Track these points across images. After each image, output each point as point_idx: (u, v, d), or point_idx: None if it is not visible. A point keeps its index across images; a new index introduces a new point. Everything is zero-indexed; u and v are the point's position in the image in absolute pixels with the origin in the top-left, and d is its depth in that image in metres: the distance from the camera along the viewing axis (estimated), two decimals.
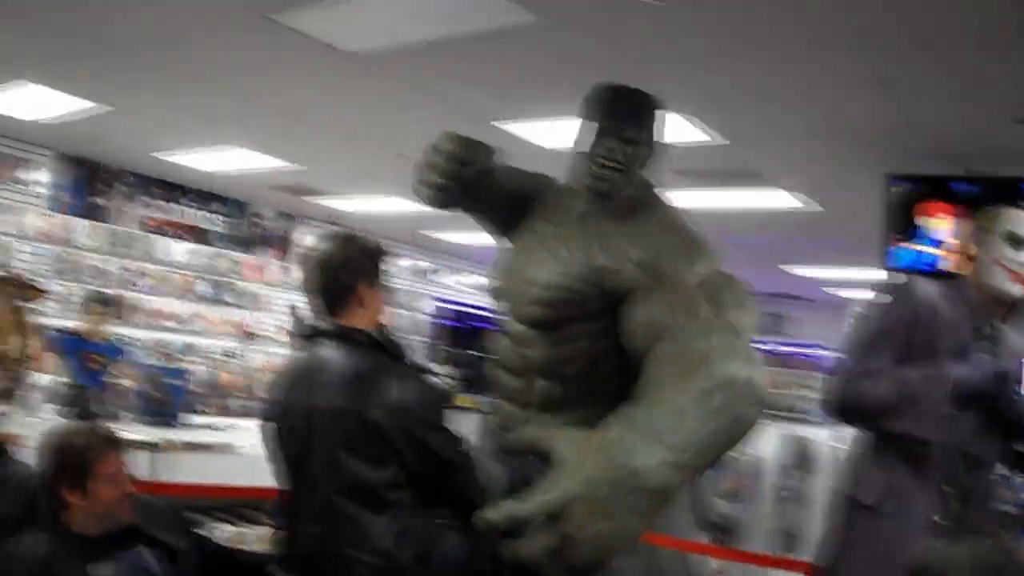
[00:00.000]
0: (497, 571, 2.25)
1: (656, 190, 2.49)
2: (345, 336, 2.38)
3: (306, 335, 2.54)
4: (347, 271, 2.42)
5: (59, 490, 2.44)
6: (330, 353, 2.38)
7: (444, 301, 12.40)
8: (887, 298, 2.86)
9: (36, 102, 6.61)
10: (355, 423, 2.25)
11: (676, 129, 5.37)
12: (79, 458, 2.43)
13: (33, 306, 5.92)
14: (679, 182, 6.62)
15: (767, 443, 6.10)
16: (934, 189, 5.28)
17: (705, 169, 6.36)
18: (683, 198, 6.97)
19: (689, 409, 1.59)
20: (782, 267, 10.69)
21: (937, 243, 5.22)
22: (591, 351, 2.38)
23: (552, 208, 2.58)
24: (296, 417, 2.37)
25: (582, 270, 2.34)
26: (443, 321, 12.49)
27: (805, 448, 6.01)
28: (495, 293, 2.63)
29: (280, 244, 10.84)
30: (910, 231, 5.37)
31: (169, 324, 9.57)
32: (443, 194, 2.64)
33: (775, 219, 7.83)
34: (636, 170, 2.43)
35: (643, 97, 2.46)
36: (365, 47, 4.69)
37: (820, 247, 9.03)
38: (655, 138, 2.46)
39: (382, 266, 2.47)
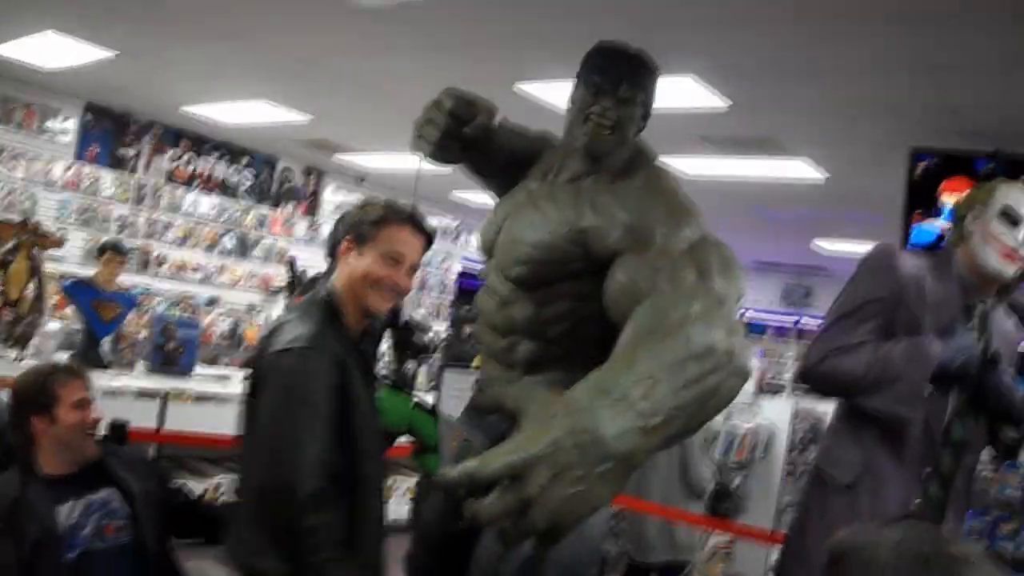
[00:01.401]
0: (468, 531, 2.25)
1: (649, 153, 2.45)
2: (309, 285, 2.42)
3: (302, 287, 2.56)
4: (343, 225, 2.43)
5: (28, 420, 2.50)
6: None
7: (472, 261, 12.45)
8: (871, 268, 2.70)
9: (61, 52, 6.63)
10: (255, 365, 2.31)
11: (696, 94, 5.33)
12: (44, 384, 2.51)
13: (53, 253, 5.98)
14: (701, 148, 6.59)
15: (781, 416, 6.04)
16: (958, 166, 5.17)
17: (727, 136, 6.32)
18: (705, 164, 7.12)
19: (662, 377, 1.53)
20: (815, 240, 10.62)
21: None
22: (576, 313, 2.35)
23: (547, 167, 2.55)
24: None
25: (569, 230, 2.30)
26: (468, 282, 12.56)
27: (818, 424, 5.95)
28: (484, 250, 2.60)
29: (307, 200, 10.86)
30: (934, 209, 5.28)
31: (194, 277, 9.62)
32: (440, 150, 2.63)
33: (801, 191, 7.76)
34: (630, 132, 2.40)
35: (640, 58, 2.41)
36: (383, 1, 4.66)
37: (847, 221, 8.95)
38: (651, 100, 2.43)
39: (377, 227, 2.37)
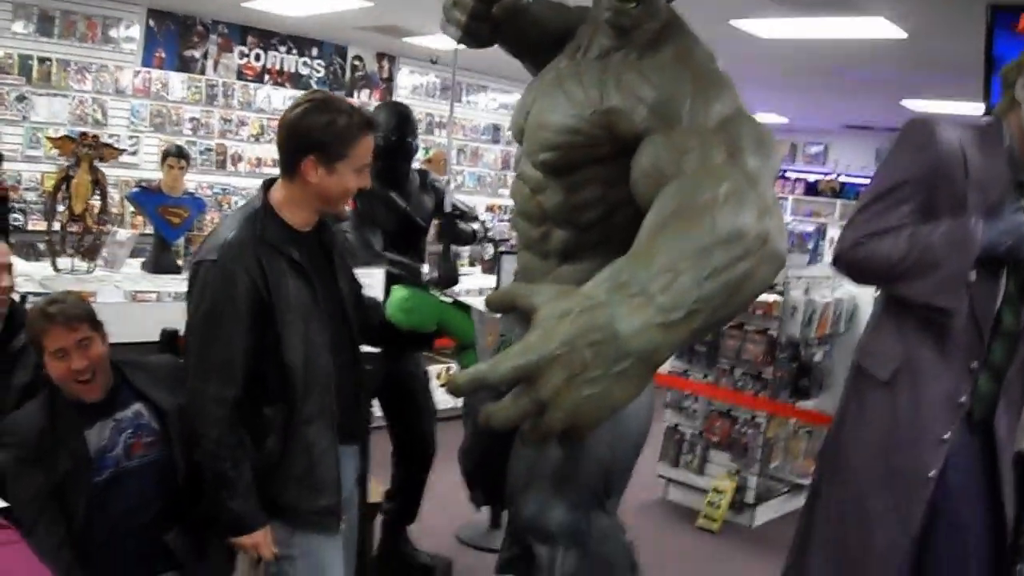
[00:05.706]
0: None
1: (681, 23, 2.29)
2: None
3: None
4: (295, 136, 2.29)
5: (40, 360, 2.47)
6: None
7: None
8: (907, 145, 2.43)
9: None
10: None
11: None
12: (31, 331, 2.45)
13: (127, 159, 5.94)
14: (772, 9, 6.34)
15: (864, 287, 5.82)
16: None
17: None
18: (779, 26, 6.82)
19: (685, 267, 1.42)
20: (904, 101, 10.17)
21: None
22: (608, 199, 2.25)
23: (578, 43, 2.43)
24: None
25: (593, 112, 2.17)
26: None
27: None
28: (515, 136, 2.50)
29: (381, 86, 10.73)
30: None
31: (272, 172, 9.53)
32: (469, 33, 2.53)
33: (882, 51, 7.38)
34: (658, 2, 2.25)
35: None
36: None
37: (933, 82, 8.54)
38: None
39: (349, 143, 2.26)
